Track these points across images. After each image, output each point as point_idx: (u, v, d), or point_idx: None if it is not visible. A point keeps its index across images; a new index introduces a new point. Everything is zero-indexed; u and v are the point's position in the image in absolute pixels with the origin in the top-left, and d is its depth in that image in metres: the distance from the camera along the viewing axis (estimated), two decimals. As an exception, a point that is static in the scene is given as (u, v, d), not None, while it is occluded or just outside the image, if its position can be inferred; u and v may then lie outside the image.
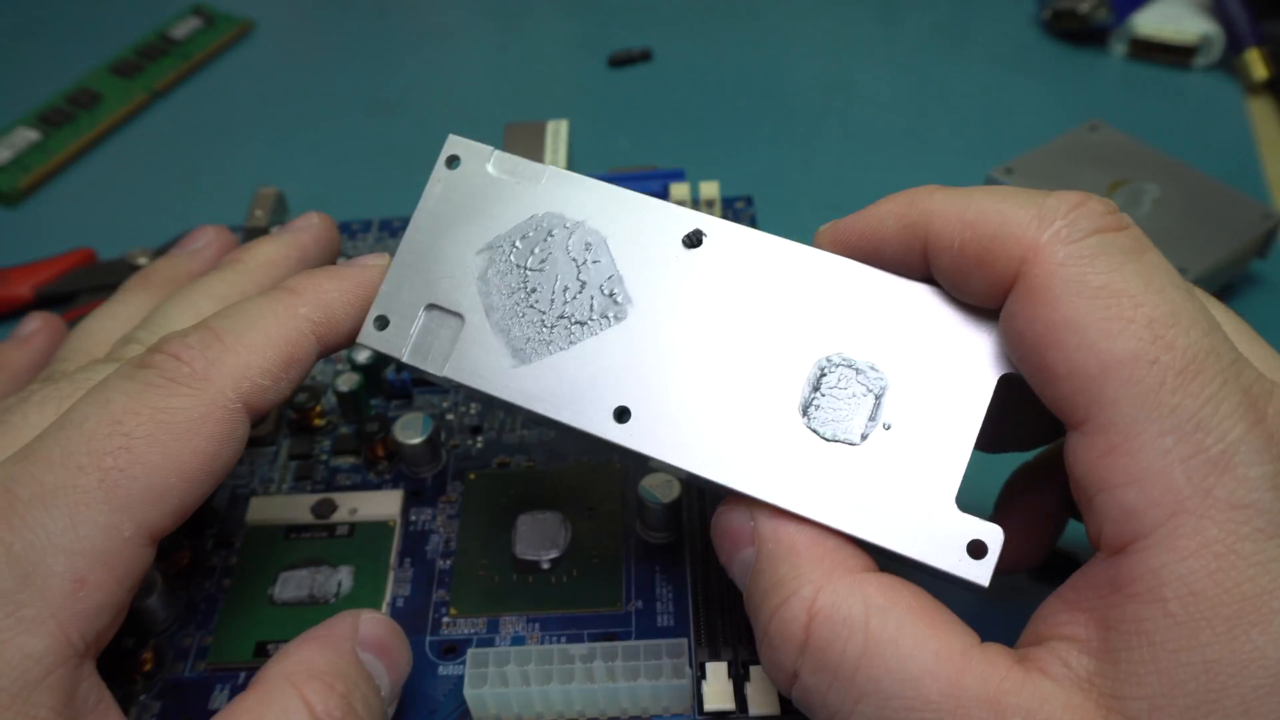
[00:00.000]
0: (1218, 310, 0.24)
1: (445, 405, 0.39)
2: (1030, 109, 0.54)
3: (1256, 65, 0.53)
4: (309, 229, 0.35)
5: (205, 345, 0.26)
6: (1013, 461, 0.31)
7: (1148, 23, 0.55)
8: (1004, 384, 0.24)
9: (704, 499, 0.35)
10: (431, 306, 0.27)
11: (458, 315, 0.27)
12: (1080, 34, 0.57)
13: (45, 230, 0.51)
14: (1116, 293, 0.21)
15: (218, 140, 0.56)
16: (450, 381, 0.27)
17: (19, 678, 0.22)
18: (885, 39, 0.60)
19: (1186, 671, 0.20)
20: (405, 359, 0.27)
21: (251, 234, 0.45)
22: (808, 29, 0.61)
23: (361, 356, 0.39)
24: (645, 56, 0.59)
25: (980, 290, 0.24)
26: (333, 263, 0.35)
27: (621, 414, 0.25)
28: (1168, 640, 0.20)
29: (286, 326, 0.27)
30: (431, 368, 0.27)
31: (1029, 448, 0.31)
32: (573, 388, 0.26)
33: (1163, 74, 0.55)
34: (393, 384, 0.39)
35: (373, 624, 0.27)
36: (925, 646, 0.22)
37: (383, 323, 0.28)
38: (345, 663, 0.26)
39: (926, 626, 0.22)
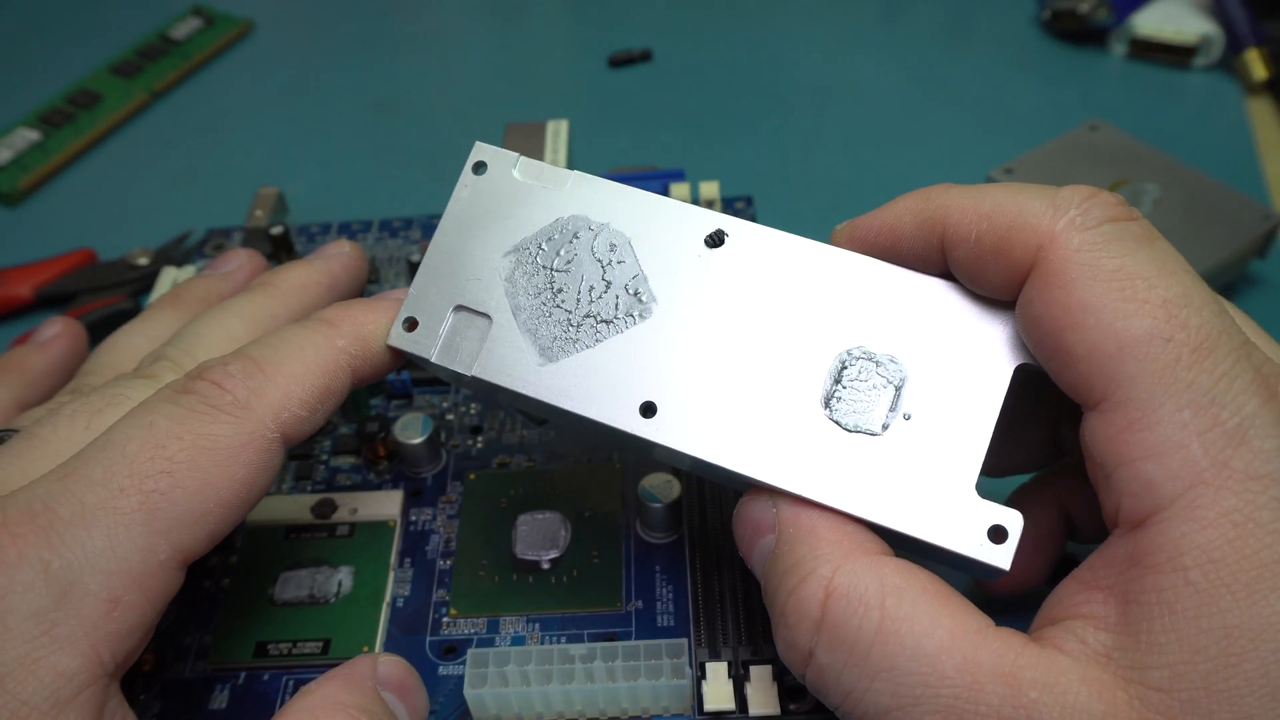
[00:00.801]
0: (1224, 304, 0.25)
1: (445, 405, 0.39)
2: (1030, 109, 0.54)
3: (1256, 65, 0.52)
4: (340, 256, 0.35)
5: (247, 374, 0.26)
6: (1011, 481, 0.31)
7: (1148, 23, 0.55)
8: (1014, 390, 0.25)
9: (704, 499, 0.35)
10: (460, 308, 0.28)
11: (485, 316, 0.28)
12: (1080, 34, 0.57)
13: (45, 230, 0.51)
14: (1131, 275, 0.22)
15: (218, 140, 0.56)
16: (479, 381, 0.27)
17: (51, 695, 0.22)
18: (885, 39, 0.60)
19: (1207, 637, 0.20)
20: (434, 359, 0.28)
21: (252, 234, 0.45)
22: (808, 29, 0.61)
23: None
24: (645, 56, 0.59)
25: (997, 280, 0.24)
26: (361, 291, 0.35)
27: (648, 409, 0.26)
28: (1188, 608, 0.21)
29: (325, 359, 0.27)
30: (460, 367, 0.27)
31: (1033, 469, 0.31)
32: (599, 384, 0.26)
33: (1163, 74, 0.55)
34: (393, 384, 0.39)
35: (392, 665, 0.27)
36: (940, 624, 0.22)
37: (411, 324, 0.28)
38: (369, 699, 0.26)
39: (941, 606, 0.22)
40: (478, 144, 0.29)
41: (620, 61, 0.59)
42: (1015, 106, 0.54)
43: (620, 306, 0.27)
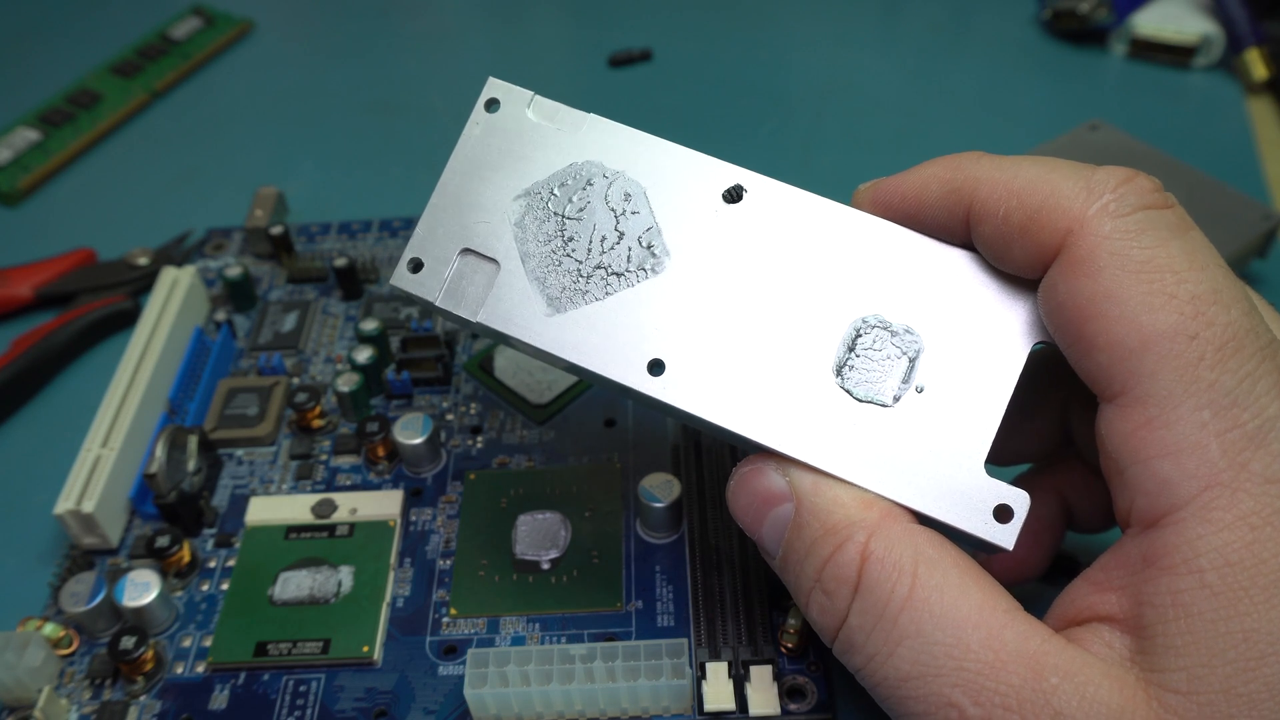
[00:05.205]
0: (1254, 297, 0.24)
1: (445, 405, 0.39)
2: (1030, 109, 0.54)
3: (1256, 65, 0.52)
4: None
5: None
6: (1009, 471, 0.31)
7: (1148, 23, 0.55)
8: (1028, 370, 0.24)
9: (704, 499, 0.35)
10: (466, 251, 0.27)
11: (493, 261, 0.27)
12: (1080, 34, 0.57)
13: (45, 230, 0.51)
14: (1160, 268, 0.22)
15: (218, 140, 0.56)
16: (484, 328, 0.27)
17: None
18: (885, 39, 0.60)
19: (1225, 641, 0.20)
20: (439, 303, 0.27)
21: (252, 234, 0.45)
22: (808, 29, 0.61)
23: (361, 357, 0.39)
24: (645, 56, 0.59)
25: (1021, 260, 0.24)
26: None
27: (655, 366, 0.25)
28: (1205, 611, 0.20)
29: None
30: (465, 313, 0.27)
31: (1039, 459, 0.31)
32: (607, 338, 0.26)
33: (1163, 74, 0.55)
34: (393, 384, 0.39)
35: None
36: (969, 598, 0.22)
37: (416, 265, 0.27)
38: None
39: (972, 582, 0.22)
40: (491, 80, 0.28)
41: (620, 61, 0.59)
42: (1015, 106, 0.54)
43: (632, 259, 0.26)
